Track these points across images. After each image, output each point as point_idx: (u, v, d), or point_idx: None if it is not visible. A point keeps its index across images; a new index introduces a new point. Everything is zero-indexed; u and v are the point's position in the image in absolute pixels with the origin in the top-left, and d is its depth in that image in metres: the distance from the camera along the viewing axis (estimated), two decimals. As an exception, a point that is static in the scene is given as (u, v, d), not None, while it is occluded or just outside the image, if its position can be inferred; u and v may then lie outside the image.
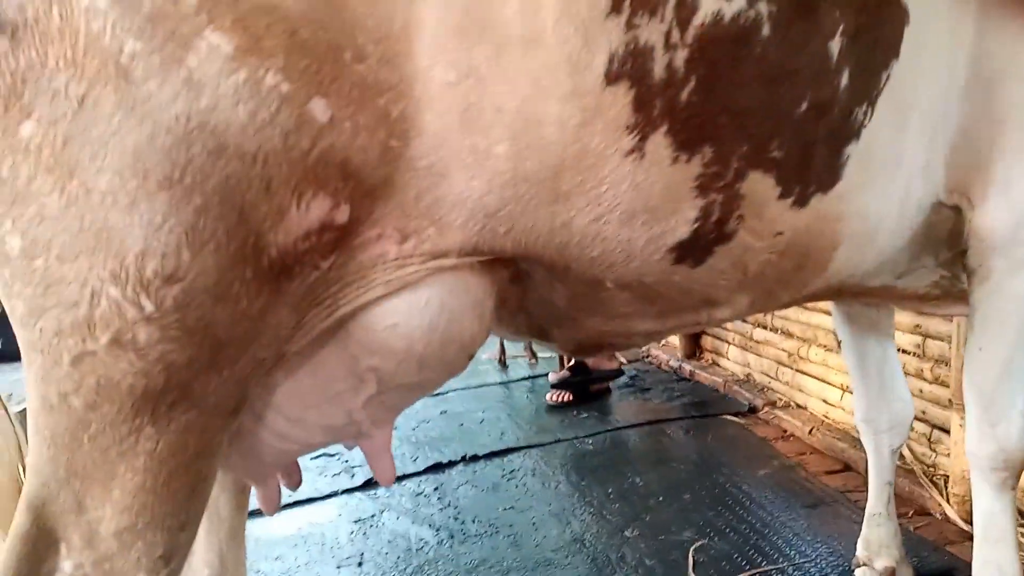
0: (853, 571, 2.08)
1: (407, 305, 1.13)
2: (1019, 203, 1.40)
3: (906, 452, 2.73)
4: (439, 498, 2.92)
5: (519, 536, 2.56)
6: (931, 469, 2.67)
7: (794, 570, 2.20)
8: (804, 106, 1.16)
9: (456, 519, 2.73)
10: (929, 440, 2.70)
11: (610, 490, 2.86)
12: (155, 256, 0.88)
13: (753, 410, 3.64)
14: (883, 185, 1.32)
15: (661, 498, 2.76)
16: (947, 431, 2.58)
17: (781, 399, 3.65)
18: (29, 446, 0.97)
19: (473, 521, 2.70)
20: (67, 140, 0.86)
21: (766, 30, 1.10)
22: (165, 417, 0.94)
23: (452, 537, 2.60)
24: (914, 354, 2.75)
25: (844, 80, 1.18)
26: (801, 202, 1.23)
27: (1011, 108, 1.38)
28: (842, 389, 3.22)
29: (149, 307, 0.89)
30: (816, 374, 3.42)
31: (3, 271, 0.89)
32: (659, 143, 1.08)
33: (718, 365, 4.37)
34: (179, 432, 0.96)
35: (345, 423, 1.25)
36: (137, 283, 0.88)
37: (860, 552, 2.06)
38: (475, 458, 3.28)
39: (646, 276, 1.25)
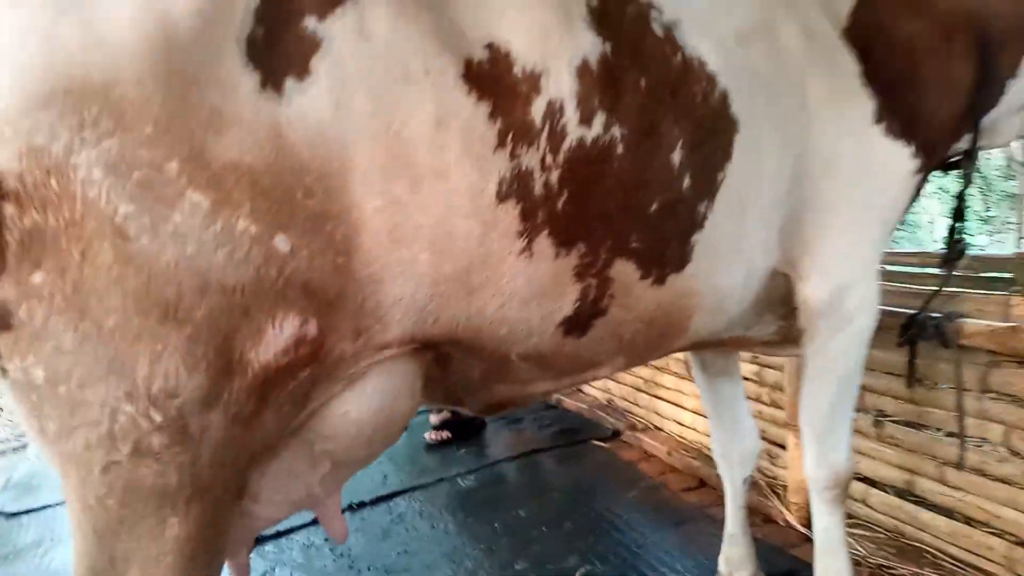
0: (716, 581, 2.39)
1: (356, 394, 1.34)
2: (836, 278, 1.73)
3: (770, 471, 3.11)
4: (330, 549, 2.99)
5: (419, 578, 2.70)
6: (772, 481, 3.06)
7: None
8: (655, 206, 1.44)
9: (351, 568, 2.81)
10: (769, 456, 3.09)
11: (496, 524, 3.05)
12: (158, 377, 1.05)
13: (617, 434, 3.96)
14: (728, 263, 1.62)
15: (544, 528, 2.98)
16: (784, 447, 2.98)
17: (640, 422, 3.99)
18: (75, 538, 1.13)
19: (368, 568, 2.80)
20: (75, 287, 1.01)
21: (620, 149, 1.37)
22: (184, 508, 1.12)
23: (347, 585, 2.69)
24: (753, 381, 3.15)
25: (686, 182, 1.46)
26: (660, 281, 1.51)
27: (830, 199, 1.71)
28: (694, 412, 3.59)
29: (159, 418, 1.06)
30: (670, 399, 3.78)
31: (32, 397, 1.04)
32: (543, 243, 1.33)
33: (582, 391, 4.68)
34: (197, 518, 1.14)
35: (304, 496, 1.44)
36: (146, 400, 1.05)
37: (722, 567, 2.37)
38: (361, 504, 3.36)
39: (542, 348, 1.49)
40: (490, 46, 1.27)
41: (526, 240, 1.32)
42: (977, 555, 2.31)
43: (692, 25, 1.52)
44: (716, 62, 1.51)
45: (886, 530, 2.61)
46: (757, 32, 1.65)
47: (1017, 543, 2.21)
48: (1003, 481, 2.23)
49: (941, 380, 2.39)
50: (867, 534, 2.61)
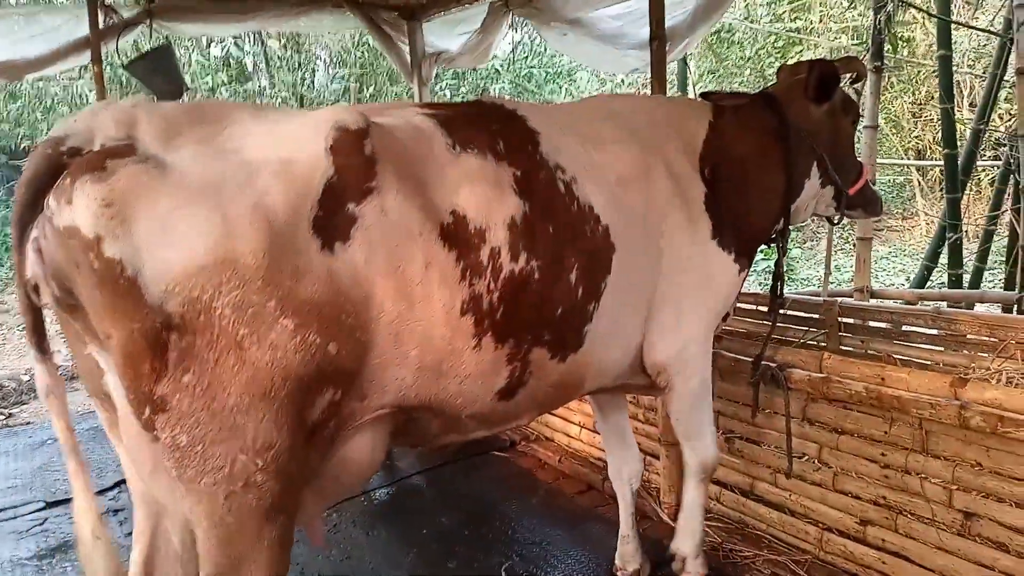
0: (614, 574, 3.08)
1: (357, 441, 1.96)
2: (678, 346, 2.49)
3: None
4: (279, 559, 3.42)
5: (366, 581, 3.21)
6: (647, 485, 3.80)
7: (576, 574, 3.15)
8: (560, 311, 2.12)
9: (302, 574, 3.27)
10: (646, 465, 3.84)
11: (424, 531, 3.61)
12: (260, 435, 1.64)
13: (513, 444, 4.60)
14: (609, 343, 2.33)
15: (465, 532, 3.57)
16: (657, 457, 3.73)
17: (533, 434, 4.65)
18: (203, 547, 1.71)
19: (318, 574, 3.27)
20: (210, 382, 1.58)
21: (536, 275, 2.04)
22: (274, 519, 1.72)
23: (304, 591, 3.16)
24: (632, 402, 3.88)
25: (580, 291, 2.15)
26: (563, 360, 2.19)
27: (678, 295, 2.45)
28: (580, 425, 4.30)
29: (260, 462, 1.65)
30: (560, 413, 4.45)
31: (176, 454, 1.60)
32: (488, 340, 1.98)
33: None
34: (281, 524, 1.74)
35: (316, 510, 2.07)
36: (252, 450, 1.63)
37: (617, 562, 3.08)
38: (298, 518, 3.79)
39: (484, 409, 2.14)
40: (453, 212, 1.92)
41: (477, 339, 1.96)
42: (798, 539, 3.14)
43: (586, 178, 2.21)
44: (601, 204, 2.21)
45: (734, 522, 3.41)
46: (635, 177, 2.37)
47: (825, 529, 3.04)
48: (817, 484, 3.06)
49: (774, 410, 3.20)
50: (720, 525, 3.40)
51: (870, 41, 5.38)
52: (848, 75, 2.98)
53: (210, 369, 1.57)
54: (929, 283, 6.29)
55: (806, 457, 3.11)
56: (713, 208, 2.51)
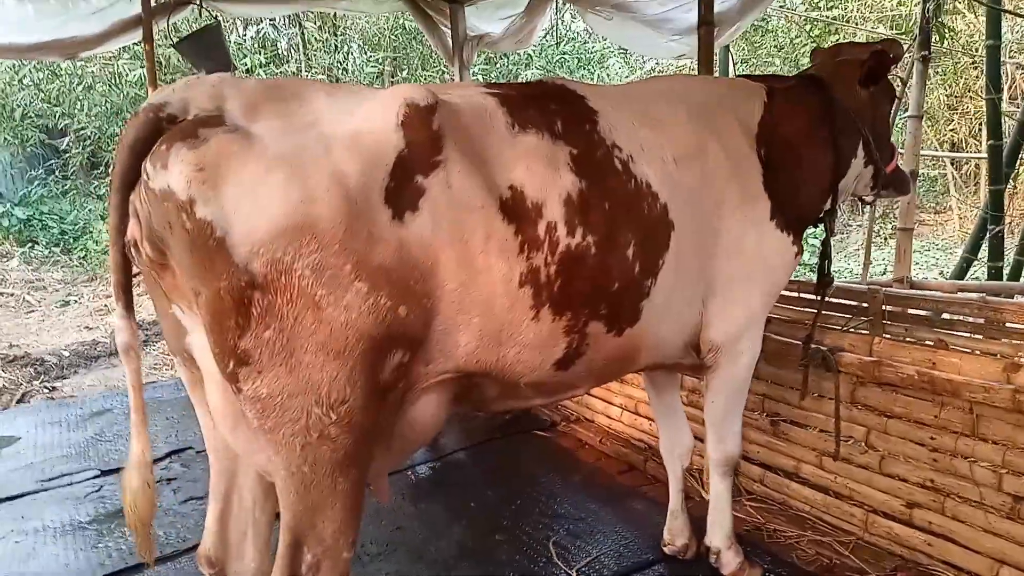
0: (662, 548, 3.15)
1: (423, 403, 2.05)
2: (731, 328, 2.54)
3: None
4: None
5: (420, 548, 3.30)
6: (691, 467, 3.86)
7: (623, 548, 3.23)
8: (616, 286, 2.17)
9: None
10: (687, 445, 3.89)
11: (472, 504, 3.69)
12: (334, 390, 1.74)
13: (554, 425, 4.67)
14: (665, 319, 2.38)
15: (512, 506, 3.65)
16: (702, 440, 3.78)
17: (574, 415, 4.72)
18: (283, 495, 1.82)
19: (371, 543, 3.37)
20: (289, 338, 1.69)
21: (593, 250, 2.10)
22: (347, 471, 1.81)
23: (357, 559, 3.26)
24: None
25: (637, 268, 2.20)
26: (619, 334, 2.25)
27: (733, 275, 2.50)
28: (621, 407, 4.36)
29: (334, 416, 1.75)
30: (601, 395, 4.52)
31: (257, 405, 1.74)
32: (545, 312, 2.05)
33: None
34: (354, 476, 1.83)
35: (383, 467, 2.15)
36: (327, 404, 1.74)
37: (666, 536, 3.14)
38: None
39: (541, 378, 2.21)
40: (512, 188, 1.99)
41: (535, 311, 2.04)
42: (843, 520, 3.19)
43: (641, 156, 2.26)
44: (658, 182, 2.27)
45: (777, 503, 3.46)
46: (691, 155, 2.41)
47: (871, 511, 3.09)
48: (863, 467, 3.11)
49: (820, 393, 3.24)
50: (763, 506, 3.46)
51: (916, 30, 5.35)
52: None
53: (289, 326, 1.68)
54: (967, 275, 6.26)
55: (852, 440, 3.15)
56: (770, 188, 2.55)
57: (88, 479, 4.23)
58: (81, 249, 11.26)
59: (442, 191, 1.87)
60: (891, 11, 12.02)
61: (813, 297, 3.22)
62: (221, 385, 1.84)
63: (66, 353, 7.56)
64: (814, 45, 13.94)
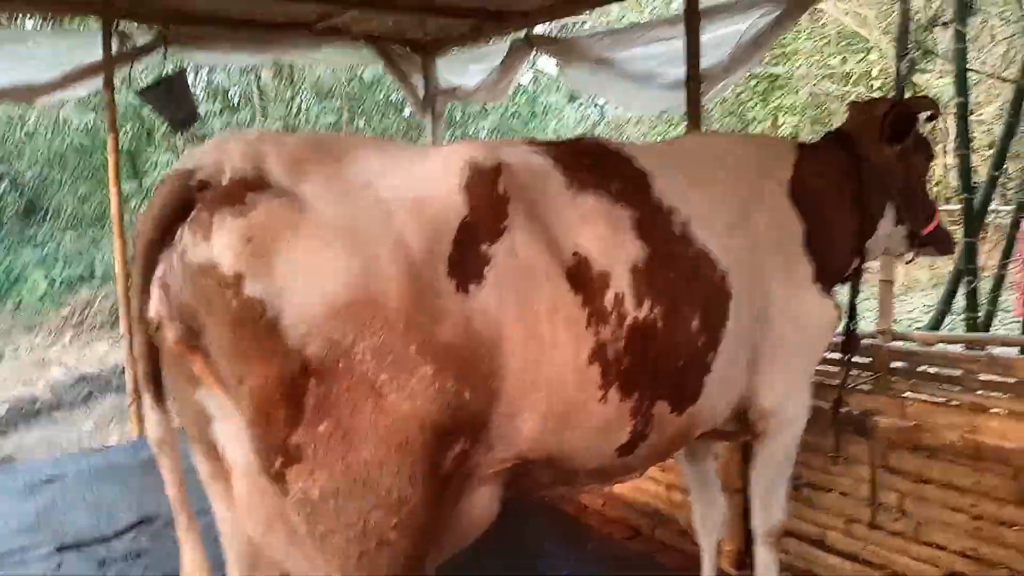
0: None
1: (479, 495, 1.84)
2: (780, 395, 2.41)
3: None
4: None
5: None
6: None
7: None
8: (682, 362, 2.03)
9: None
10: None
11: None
12: (395, 490, 1.52)
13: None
14: (722, 392, 2.23)
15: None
16: (715, 505, 3.64)
17: (570, 478, 4.53)
18: None
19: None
20: (346, 432, 1.49)
21: (660, 323, 1.94)
22: None
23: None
24: (686, 448, 3.79)
25: (701, 341, 2.06)
26: (682, 412, 2.09)
27: (779, 341, 2.38)
28: (623, 470, 4.19)
29: (395, 519, 1.54)
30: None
31: (307, 508, 1.51)
32: (613, 394, 1.88)
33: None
34: None
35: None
36: (387, 506, 1.52)
37: (701, 612, 2.96)
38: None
39: (602, 464, 2.05)
40: (575, 253, 1.83)
41: (603, 391, 1.86)
42: (876, 590, 3.07)
43: (698, 222, 2.13)
44: (716, 248, 2.13)
45: (801, 571, 3.32)
46: (739, 223, 2.30)
47: (905, 580, 2.98)
48: (897, 534, 3.00)
49: (847, 457, 3.13)
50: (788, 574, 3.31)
51: (886, 88, 5.47)
52: (923, 114, 2.99)
53: (347, 417, 1.49)
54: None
55: (881, 506, 3.05)
56: (811, 249, 2.46)
57: (44, 555, 3.84)
58: (16, 296, 10.69)
59: (508, 259, 1.71)
60: (837, 68, 12.47)
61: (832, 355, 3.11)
62: (254, 483, 1.63)
63: (2, 411, 7.05)
64: (762, 100, 14.42)
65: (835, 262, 2.66)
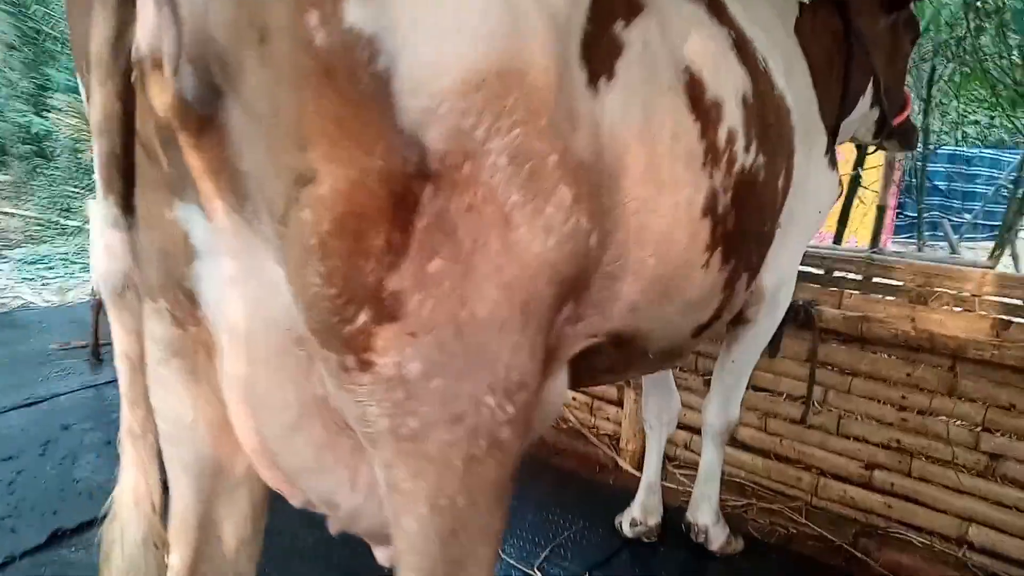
0: (624, 531, 2.70)
1: (561, 379, 1.36)
2: (779, 275, 2.10)
3: (589, 421, 3.48)
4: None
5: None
6: (597, 431, 3.45)
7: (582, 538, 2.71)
8: (767, 225, 1.70)
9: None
10: (594, 412, 3.48)
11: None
12: (515, 368, 1.03)
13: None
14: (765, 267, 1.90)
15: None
16: (614, 404, 3.38)
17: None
18: (412, 545, 1.04)
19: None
20: (463, 276, 0.95)
21: (761, 175, 1.58)
22: (505, 499, 1.11)
23: None
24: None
25: (779, 204, 1.73)
26: (746, 289, 1.77)
27: (792, 215, 2.04)
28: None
29: (511, 410, 1.05)
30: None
31: (398, 393, 0.94)
32: (715, 260, 1.48)
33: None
34: (506, 507, 1.13)
35: None
36: (503, 392, 1.03)
37: (637, 514, 2.69)
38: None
39: (673, 345, 1.66)
40: (688, 70, 1.35)
41: (707, 254, 1.44)
42: (787, 485, 2.99)
43: (771, 61, 1.73)
44: (789, 97, 1.77)
45: (707, 469, 3.19)
46: (790, 67, 1.93)
47: (820, 474, 2.93)
48: (816, 428, 2.92)
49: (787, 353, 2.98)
50: (694, 473, 3.15)
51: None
52: None
53: (467, 254, 0.94)
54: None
55: (801, 400, 2.96)
56: (824, 117, 2.17)
57: None
58: None
59: (639, 54, 1.19)
60: None
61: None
62: (275, 356, 1.02)
63: None
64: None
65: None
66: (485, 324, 0.97)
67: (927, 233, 7.92)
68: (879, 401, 2.78)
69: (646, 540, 2.67)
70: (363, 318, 0.90)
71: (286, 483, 1.16)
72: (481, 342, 0.97)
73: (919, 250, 6.80)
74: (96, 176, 0.86)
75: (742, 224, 1.50)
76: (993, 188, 9.38)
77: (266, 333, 0.98)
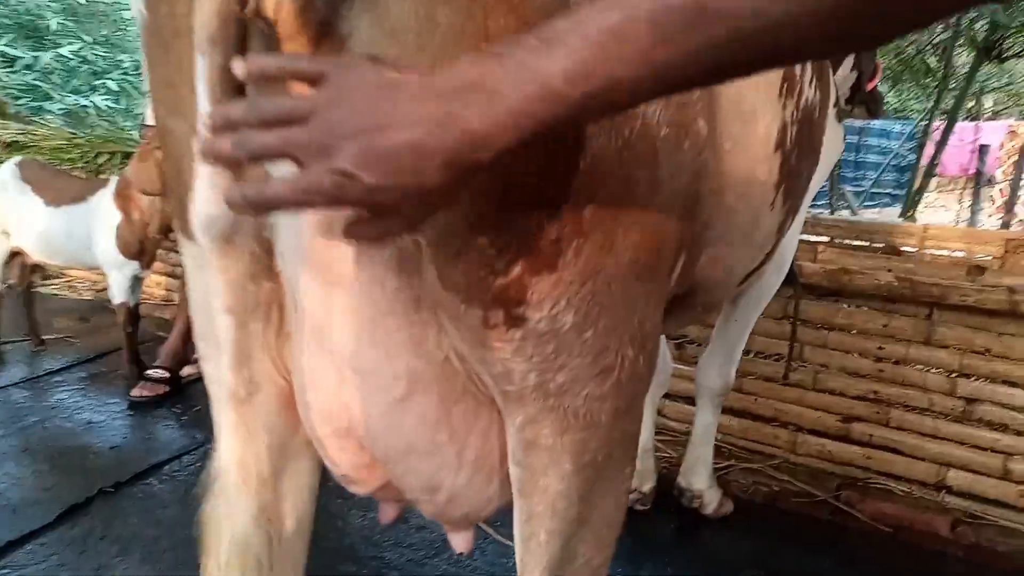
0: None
1: None
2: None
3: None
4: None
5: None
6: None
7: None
8: (805, 174, 1.59)
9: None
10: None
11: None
12: (648, 319, 0.93)
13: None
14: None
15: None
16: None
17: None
18: (549, 513, 0.94)
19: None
20: (615, 217, 0.84)
21: (816, 114, 1.49)
22: (633, 453, 1.02)
23: None
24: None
25: (819, 147, 1.64)
26: (784, 232, 1.65)
27: None
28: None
29: (643, 363, 0.94)
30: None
31: (547, 348, 0.85)
32: (779, 198, 1.38)
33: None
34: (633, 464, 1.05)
35: None
36: (640, 344, 0.93)
37: (633, 480, 2.57)
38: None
39: (718, 299, 1.56)
40: None
41: (775, 192, 1.33)
42: (767, 444, 2.97)
43: None
44: None
45: (682, 434, 3.12)
46: None
47: (797, 430, 2.92)
48: (792, 385, 2.90)
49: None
50: (669, 438, 3.09)
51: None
52: None
53: (619, 194, 0.83)
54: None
55: (780, 358, 2.94)
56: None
57: None
58: None
59: None
60: None
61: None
62: (382, 320, 0.86)
63: None
64: None
65: None
66: (629, 271, 0.87)
67: (824, 200, 8.25)
68: (855, 354, 2.79)
69: (640, 508, 2.57)
70: (517, 269, 0.78)
71: (368, 468, 0.97)
72: (625, 290, 0.88)
73: (831, 214, 7.04)
74: (200, 101, 0.65)
75: (799, 163, 1.40)
76: (888, 157, 9.87)
77: (376, 294, 0.80)
